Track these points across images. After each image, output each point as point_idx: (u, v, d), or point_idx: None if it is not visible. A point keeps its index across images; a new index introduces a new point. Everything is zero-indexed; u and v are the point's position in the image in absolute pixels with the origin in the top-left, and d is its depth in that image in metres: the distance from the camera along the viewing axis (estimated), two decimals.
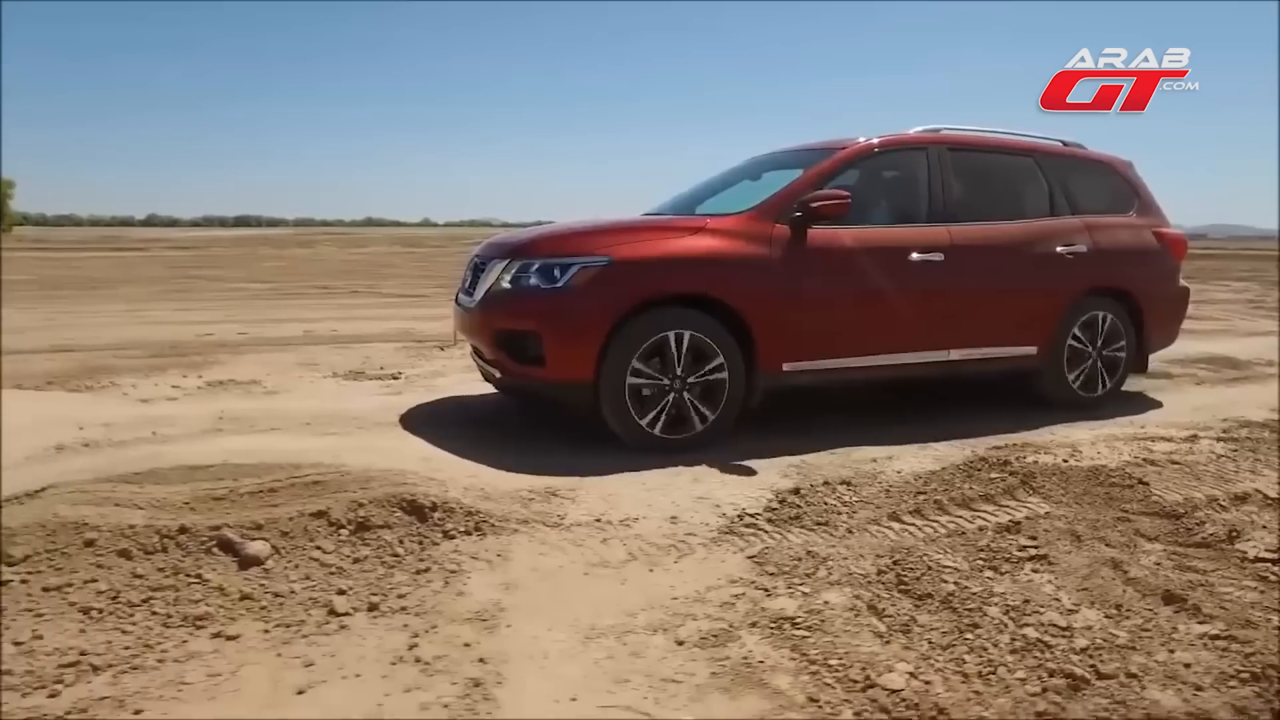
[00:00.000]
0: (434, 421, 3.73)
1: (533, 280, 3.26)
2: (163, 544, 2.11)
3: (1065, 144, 4.53)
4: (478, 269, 3.64)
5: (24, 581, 1.95)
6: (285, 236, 42.19)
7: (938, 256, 3.76)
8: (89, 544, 2.08)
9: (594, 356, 3.13)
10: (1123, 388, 4.48)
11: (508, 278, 3.35)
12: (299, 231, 54.95)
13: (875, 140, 3.91)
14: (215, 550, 2.12)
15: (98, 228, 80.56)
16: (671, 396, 3.23)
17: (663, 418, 3.23)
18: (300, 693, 1.59)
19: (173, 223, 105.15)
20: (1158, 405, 4.44)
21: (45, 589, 1.93)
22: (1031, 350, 4.04)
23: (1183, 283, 4.63)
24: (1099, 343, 4.22)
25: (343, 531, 2.26)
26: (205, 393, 4.60)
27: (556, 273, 3.21)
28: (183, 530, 2.15)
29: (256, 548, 2.12)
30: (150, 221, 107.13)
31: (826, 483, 2.83)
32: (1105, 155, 4.66)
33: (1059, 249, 4.09)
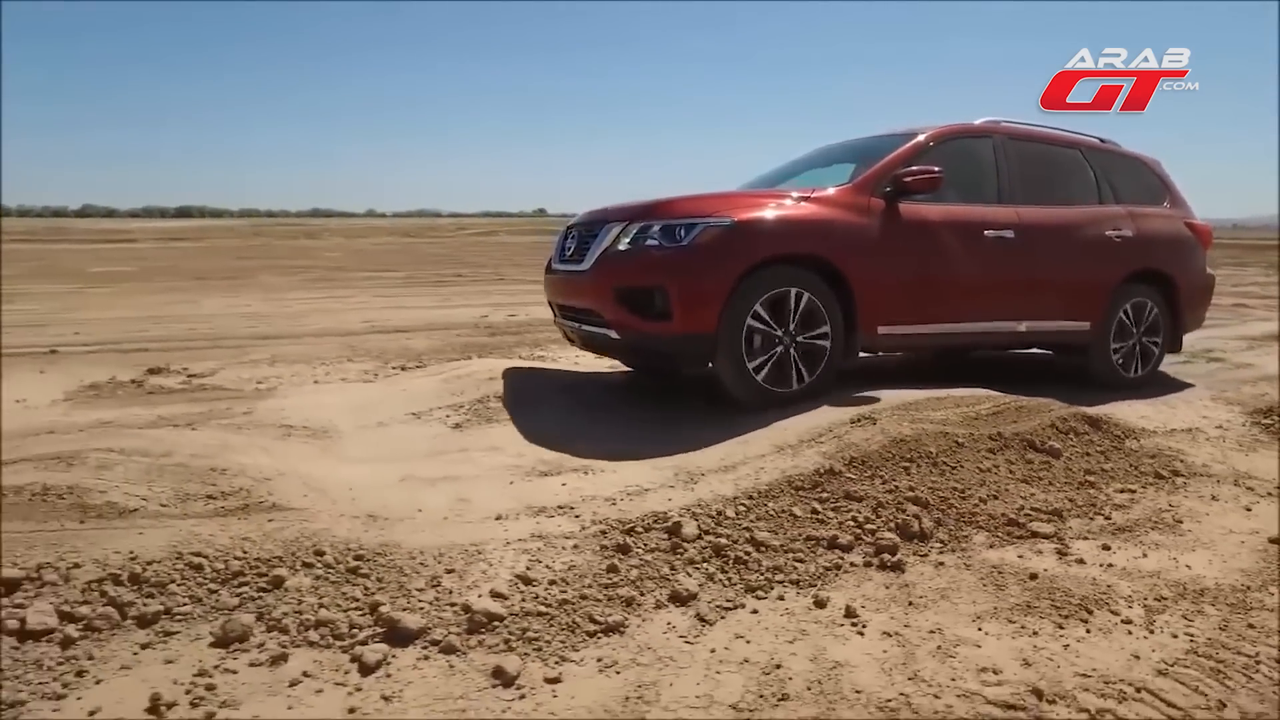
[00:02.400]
0: (878, 374, 4.59)
1: (656, 240, 3.31)
2: (994, 446, 2.99)
3: (1102, 141, 4.68)
4: (584, 237, 3.67)
5: (961, 466, 2.79)
6: (273, 228, 40.34)
7: (1009, 234, 3.96)
8: (959, 445, 2.92)
9: (718, 310, 3.22)
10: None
11: (626, 239, 3.39)
12: (259, 223, 52.40)
13: (946, 127, 4.05)
14: (1025, 449, 3.01)
15: (27, 218, 74.03)
16: (779, 350, 3.35)
17: (766, 368, 3.34)
18: (1179, 522, 2.56)
19: (110, 213, 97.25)
20: None
21: (980, 469, 2.79)
22: (1086, 325, 4.24)
23: (1209, 270, 4.85)
24: (1141, 324, 4.40)
25: (1070, 435, 3.19)
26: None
27: (681, 232, 3.28)
28: (999, 436, 3.02)
29: (1053, 445, 3.03)
30: (85, 212, 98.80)
31: (1258, 409, 3.93)
32: (1137, 152, 4.84)
33: (1108, 232, 4.30)
